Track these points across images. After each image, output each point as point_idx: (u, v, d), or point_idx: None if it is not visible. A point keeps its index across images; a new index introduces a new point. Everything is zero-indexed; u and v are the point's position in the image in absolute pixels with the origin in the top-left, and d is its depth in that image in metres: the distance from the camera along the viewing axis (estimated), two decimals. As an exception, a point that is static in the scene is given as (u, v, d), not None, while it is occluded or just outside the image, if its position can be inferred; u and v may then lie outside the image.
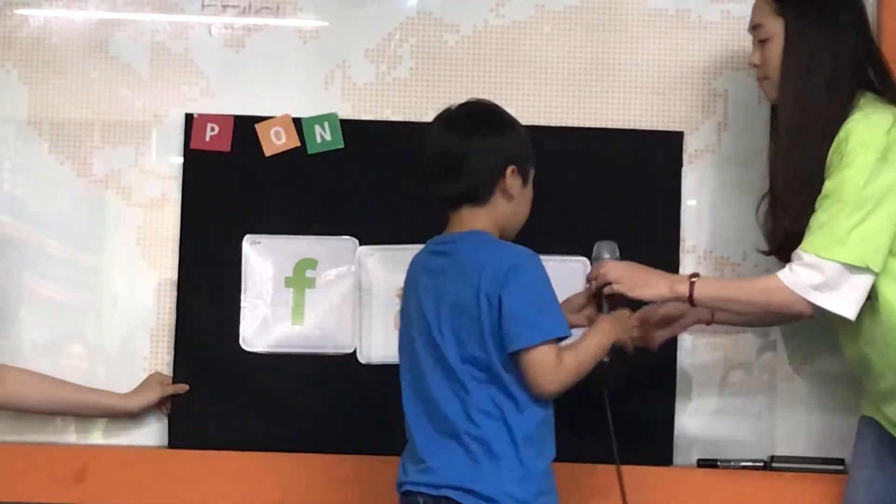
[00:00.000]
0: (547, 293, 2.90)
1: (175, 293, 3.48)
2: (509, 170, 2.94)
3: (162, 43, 3.55)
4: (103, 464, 3.41)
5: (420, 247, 3.06)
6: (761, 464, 3.44)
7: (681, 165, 3.53)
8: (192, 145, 3.50)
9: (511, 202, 2.96)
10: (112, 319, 3.52)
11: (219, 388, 3.45)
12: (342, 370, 3.46)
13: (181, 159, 3.51)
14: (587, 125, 3.53)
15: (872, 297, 3.01)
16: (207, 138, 3.50)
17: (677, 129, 3.54)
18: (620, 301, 3.06)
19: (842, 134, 3.02)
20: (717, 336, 3.47)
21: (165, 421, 3.47)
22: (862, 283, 2.97)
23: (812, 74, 3.07)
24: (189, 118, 3.51)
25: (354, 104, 3.53)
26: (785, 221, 3.10)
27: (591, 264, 3.11)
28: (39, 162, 3.53)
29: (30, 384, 3.38)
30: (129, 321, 3.52)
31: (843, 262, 2.95)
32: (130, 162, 3.54)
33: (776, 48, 3.13)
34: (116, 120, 3.54)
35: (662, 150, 3.51)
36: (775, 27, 3.12)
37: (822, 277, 2.96)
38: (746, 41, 3.45)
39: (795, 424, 3.46)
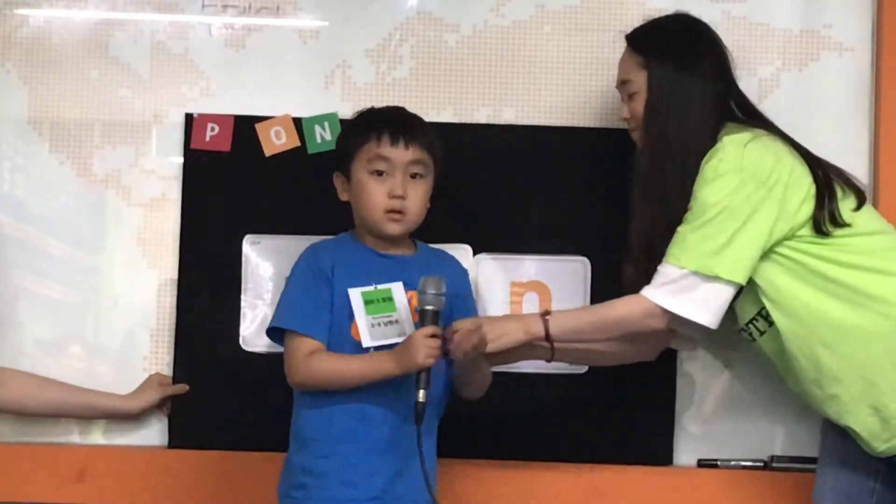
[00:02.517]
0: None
1: (175, 293, 3.48)
2: None
3: (162, 43, 3.55)
4: (103, 464, 3.41)
5: (421, 246, 3.18)
6: (761, 464, 3.45)
7: (681, 165, 3.53)
8: (193, 145, 3.50)
9: None
10: (112, 319, 3.52)
11: (219, 388, 3.45)
12: (342, 370, 3.46)
13: (181, 159, 3.51)
14: (587, 125, 3.53)
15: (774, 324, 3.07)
16: (207, 138, 3.49)
17: (677, 129, 3.55)
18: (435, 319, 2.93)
19: (704, 160, 3.05)
20: (716, 336, 3.46)
21: (165, 421, 3.47)
22: (724, 295, 3.01)
23: (670, 118, 3.09)
24: (189, 118, 3.50)
25: (354, 104, 3.52)
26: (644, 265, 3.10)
27: (419, 298, 2.95)
28: (39, 162, 3.53)
29: (30, 387, 3.38)
30: (129, 321, 3.52)
31: (707, 274, 2.98)
32: (130, 162, 3.54)
33: (644, 100, 3.15)
34: (116, 120, 3.54)
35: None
36: (642, 80, 3.14)
37: (678, 285, 2.98)
38: (746, 42, 3.47)
39: (795, 424, 3.46)
